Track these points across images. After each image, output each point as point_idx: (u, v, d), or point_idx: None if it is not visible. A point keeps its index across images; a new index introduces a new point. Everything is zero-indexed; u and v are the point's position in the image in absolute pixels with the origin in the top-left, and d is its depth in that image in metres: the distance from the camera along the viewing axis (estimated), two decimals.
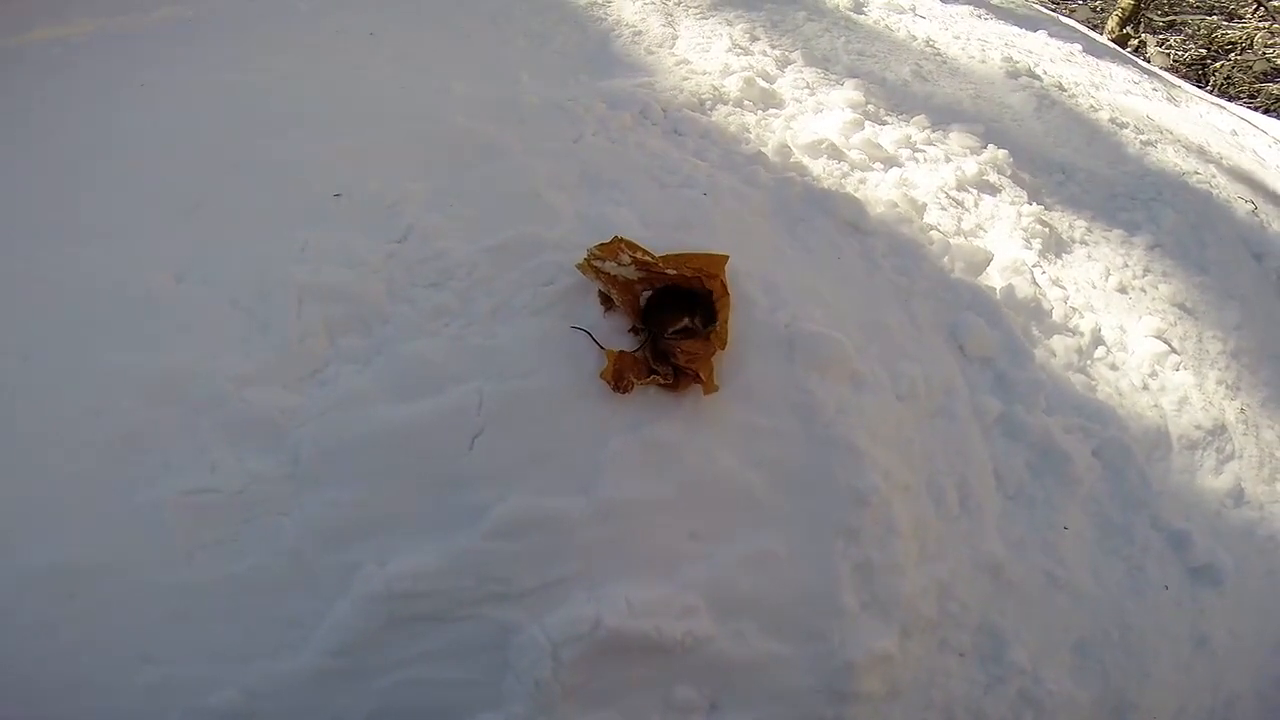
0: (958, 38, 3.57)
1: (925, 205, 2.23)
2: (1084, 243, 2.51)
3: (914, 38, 3.36)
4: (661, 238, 1.62)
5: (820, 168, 2.27)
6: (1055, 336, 2.02)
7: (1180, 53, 7.58)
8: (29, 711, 1.32)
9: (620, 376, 1.41)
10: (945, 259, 1.99)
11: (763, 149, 2.23)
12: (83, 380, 1.49)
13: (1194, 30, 7.89)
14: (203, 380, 1.45)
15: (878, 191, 2.25)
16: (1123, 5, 6.60)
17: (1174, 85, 4.78)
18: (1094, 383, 1.99)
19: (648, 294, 1.55)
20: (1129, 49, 6.22)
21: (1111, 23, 6.69)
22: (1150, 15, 7.81)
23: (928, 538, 1.55)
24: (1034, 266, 2.21)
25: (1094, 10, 7.92)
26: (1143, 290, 2.40)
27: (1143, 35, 7.56)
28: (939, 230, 2.15)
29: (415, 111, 2.02)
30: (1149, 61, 6.15)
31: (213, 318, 1.53)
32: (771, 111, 2.55)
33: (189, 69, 2.09)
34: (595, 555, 1.38)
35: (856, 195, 2.11)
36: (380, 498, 1.36)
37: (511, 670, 1.31)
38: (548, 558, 1.37)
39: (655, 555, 1.40)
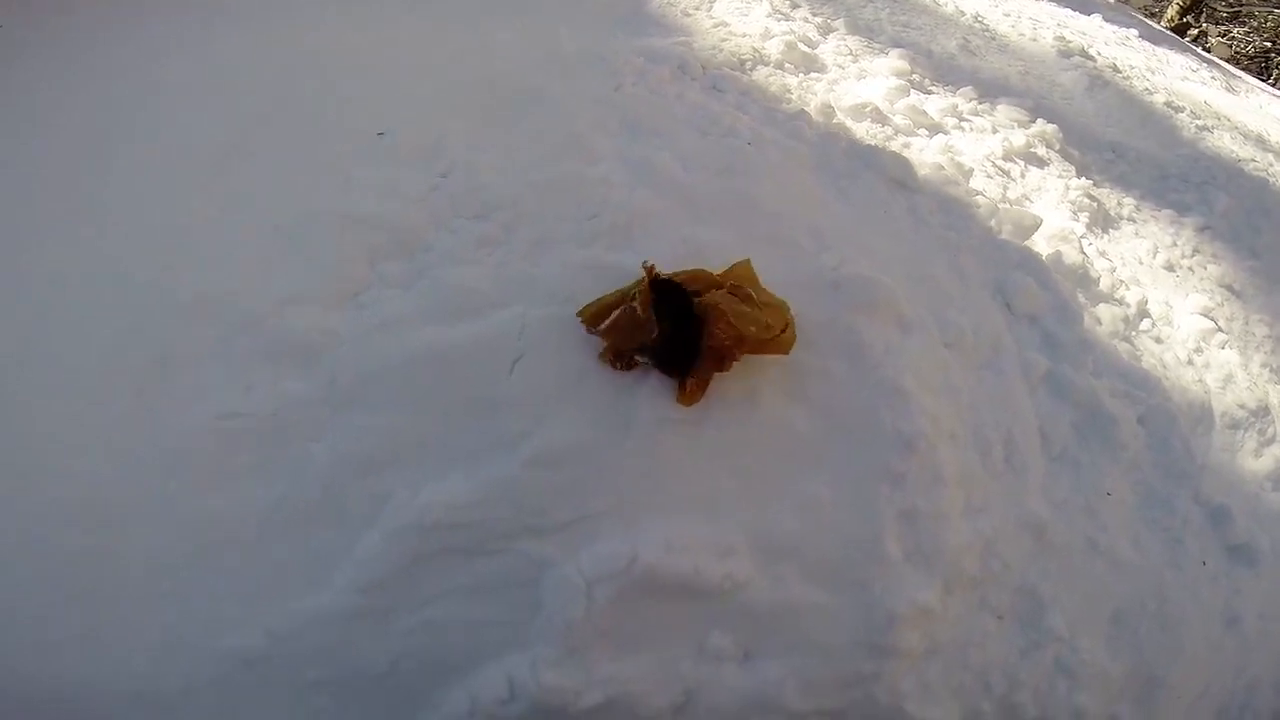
0: (1008, 15, 3.66)
1: (971, 171, 2.29)
2: (1132, 220, 2.58)
3: (962, 13, 3.45)
4: (705, 182, 1.70)
5: (864, 130, 2.35)
6: (1101, 305, 2.08)
7: (1244, 44, 7.64)
8: (39, 661, 1.35)
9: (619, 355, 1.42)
10: (993, 221, 2.04)
11: (805, 109, 2.31)
12: (118, 301, 1.55)
13: (1261, 22, 7.95)
14: (241, 300, 1.50)
15: (923, 155, 2.31)
16: None
17: (1234, 75, 4.84)
18: (1139, 353, 2.04)
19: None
20: (1188, 38, 6.30)
21: (1171, 11, 6.77)
22: (1214, 5, 7.89)
23: (973, 491, 1.59)
24: (1081, 237, 2.26)
25: None
26: (1190, 270, 2.46)
27: (1204, 25, 7.63)
28: (985, 196, 2.20)
29: (458, 58, 2.12)
30: (1209, 51, 6.22)
31: (254, 243, 1.59)
32: (814, 75, 2.64)
33: (232, 19, 2.22)
34: (634, 490, 1.40)
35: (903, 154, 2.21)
36: (416, 423, 1.39)
37: (543, 610, 1.34)
38: (586, 490, 1.39)
39: (696, 493, 1.42)
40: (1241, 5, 8.13)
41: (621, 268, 1.51)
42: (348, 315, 1.48)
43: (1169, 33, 5.55)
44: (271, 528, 1.39)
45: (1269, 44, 7.74)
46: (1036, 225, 2.14)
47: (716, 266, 1.50)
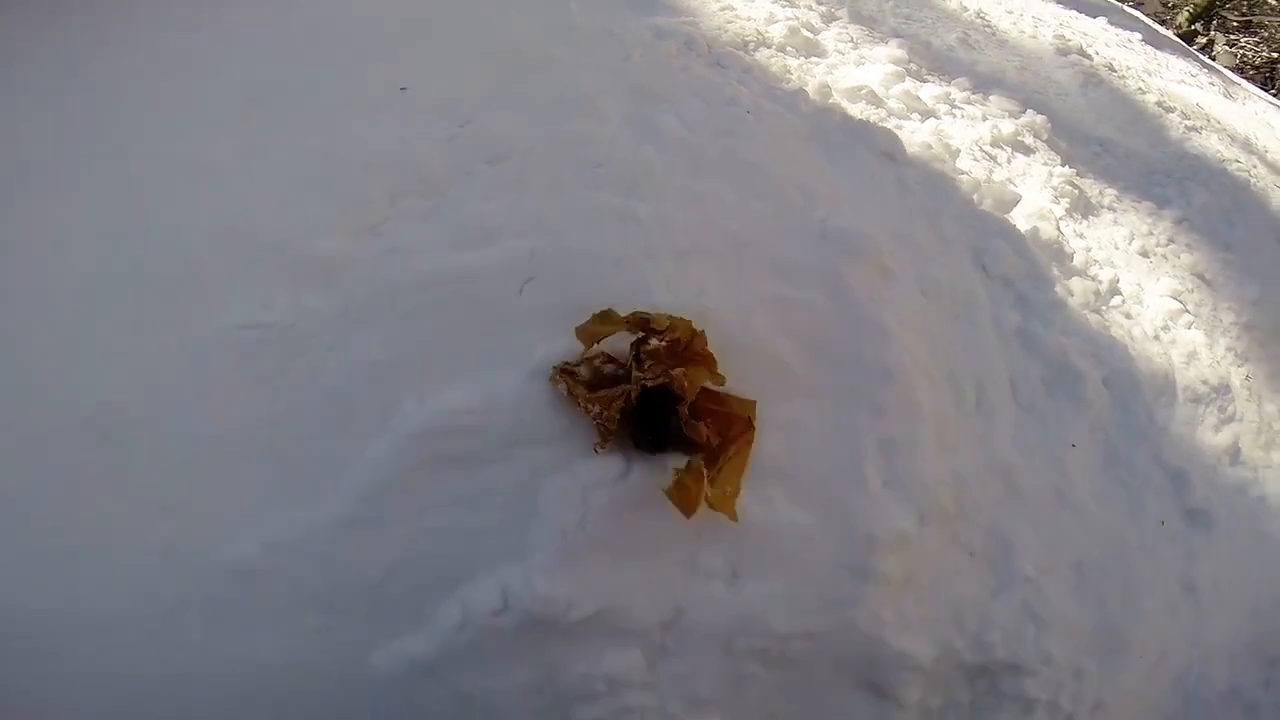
0: (1010, 12, 3.82)
1: (959, 152, 2.44)
2: (1112, 209, 2.73)
3: (964, 8, 3.61)
4: (706, 142, 1.85)
5: (859, 110, 2.50)
6: (1074, 278, 2.23)
7: (1251, 54, 7.82)
8: (41, 573, 1.42)
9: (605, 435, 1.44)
10: (975, 195, 2.20)
11: (804, 88, 2.48)
12: (145, 228, 1.66)
13: (1271, 33, 8.13)
14: (265, 229, 1.63)
15: (913, 136, 2.48)
16: (1195, 1, 6.88)
17: (1234, 82, 5.02)
18: (1108, 324, 2.19)
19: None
20: (1195, 46, 6.47)
21: (1181, 18, 6.96)
22: (1225, 14, 8.08)
23: (946, 430, 1.71)
24: (1060, 219, 2.41)
25: (1164, 5, 8.19)
26: (1164, 257, 2.60)
27: (1213, 34, 7.82)
28: (969, 175, 2.35)
29: (472, 26, 2.28)
30: (1214, 59, 6.40)
31: (278, 180, 1.73)
32: (814, 59, 2.80)
33: None
34: None
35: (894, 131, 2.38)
36: (426, 337, 1.51)
37: (539, 517, 1.44)
38: None
39: None
40: (1253, 15, 8.31)
41: (627, 211, 1.67)
42: (367, 243, 1.61)
43: (1175, 39, 5.72)
44: (279, 437, 1.48)
45: (1276, 54, 7.91)
46: (1016, 201, 2.31)
47: (713, 217, 1.66)
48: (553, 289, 1.57)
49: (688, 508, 1.40)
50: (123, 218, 1.71)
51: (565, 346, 1.50)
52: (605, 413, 1.43)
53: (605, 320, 1.50)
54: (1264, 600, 2.28)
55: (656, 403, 1.44)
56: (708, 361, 1.50)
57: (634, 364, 1.45)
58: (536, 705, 1.50)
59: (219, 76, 2.00)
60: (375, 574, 1.44)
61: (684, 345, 1.47)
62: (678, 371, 1.43)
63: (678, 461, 1.44)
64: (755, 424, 1.48)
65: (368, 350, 1.52)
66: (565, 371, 1.47)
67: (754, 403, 1.50)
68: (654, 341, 1.45)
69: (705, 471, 1.40)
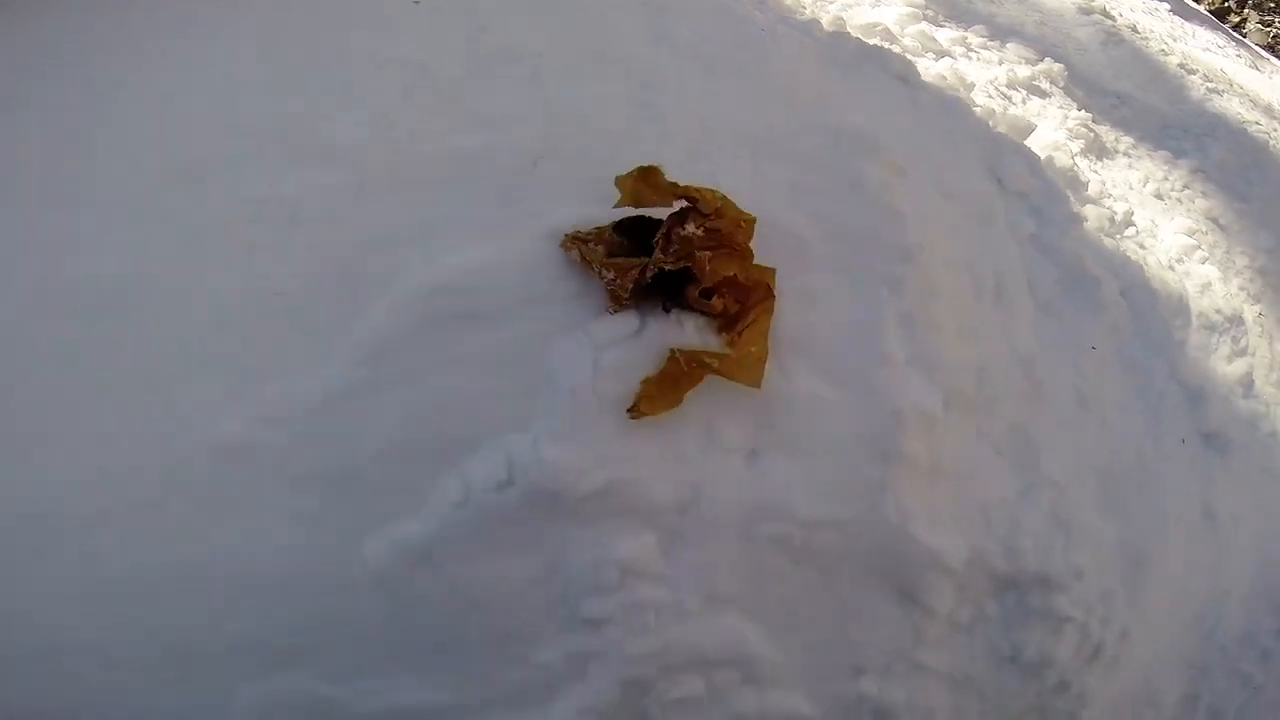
0: None
1: (974, 86, 2.48)
2: (1127, 155, 2.73)
3: None
4: (721, 51, 1.86)
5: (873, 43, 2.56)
6: (1089, 205, 2.24)
7: None
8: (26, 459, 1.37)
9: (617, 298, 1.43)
10: (989, 120, 2.24)
11: (818, 19, 2.52)
12: (153, 117, 1.65)
13: None
14: (276, 120, 1.63)
15: (928, 71, 2.52)
16: None
17: (1262, 57, 5.01)
18: (1123, 249, 2.20)
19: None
20: (1229, 24, 6.45)
21: None
22: None
23: (965, 316, 1.70)
24: (1074, 155, 2.46)
25: None
26: (1179, 201, 2.61)
27: (1246, 11, 7.78)
28: (984, 107, 2.39)
29: None
30: (1245, 36, 6.37)
31: (289, 79, 1.73)
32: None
33: None
34: None
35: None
36: (438, 205, 1.49)
37: (549, 380, 1.39)
38: None
39: None
40: None
41: (643, 100, 1.70)
42: (378, 129, 1.61)
43: (1205, 12, 5.70)
44: (280, 304, 1.42)
45: None
46: (1031, 129, 2.32)
47: (727, 112, 1.68)
48: (566, 166, 1.57)
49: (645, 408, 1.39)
50: (136, 112, 1.72)
51: (579, 215, 1.48)
52: (619, 279, 1.41)
53: (649, 180, 1.43)
54: (1274, 542, 2.28)
55: (674, 275, 1.42)
56: (742, 255, 1.44)
57: (661, 240, 1.41)
58: (542, 599, 1.43)
59: None
60: (370, 448, 1.38)
61: (722, 234, 1.42)
62: (701, 256, 1.39)
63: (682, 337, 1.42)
64: (775, 292, 1.45)
65: (375, 220, 1.49)
66: (577, 239, 1.46)
67: (773, 270, 1.46)
68: (690, 227, 1.40)
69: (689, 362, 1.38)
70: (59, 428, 1.41)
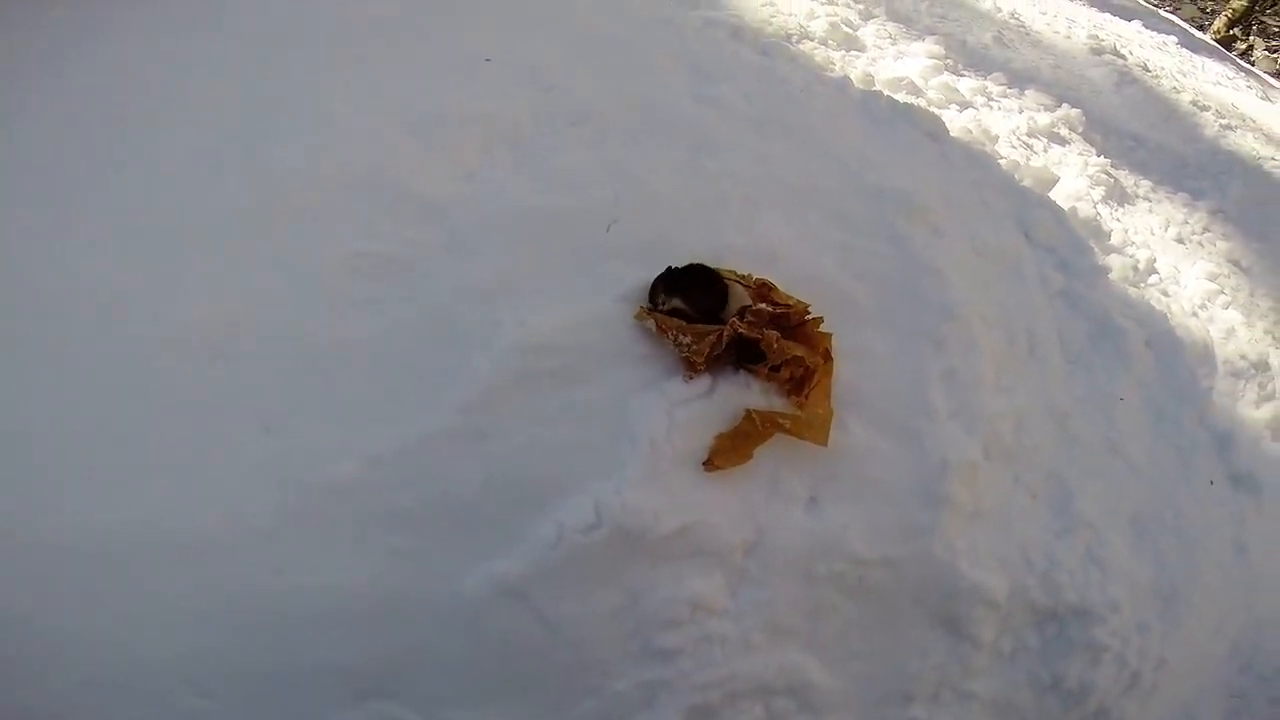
0: (1044, 14, 4.09)
1: (997, 138, 2.70)
2: (1147, 199, 2.96)
3: (998, 9, 3.88)
4: (765, 111, 2.10)
5: (900, 99, 2.79)
6: (1112, 255, 2.45)
7: None
8: (132, 488, 1.50)
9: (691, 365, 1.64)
10: (1015, 173, 2.46)
11: (848, 76, 2.76)
12: (251, 171, 1.83)
13: None
14: (371, 172, 1.82)
15: (953, 123, 2.75)
16: (1234, 6, 7.15)
17: (1272, 86, 5.27)
18: (1147, 298, 2.40)
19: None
20: (1235, 52, 6.72)
21: (1219, 23, 7.21)
22: (1265, 19, 8.34)
23: (1003, 370, 1.91)
24: (1097, 203, 2.67)
25: (1201, 10, 8.49)
26: (1200, 244, 2.82)
27: (1252, 39, 8.07)
28: (1008, 159, 2.61)
29: (546, 14, 2.57)
30: (1253, 65, 6.64)
31: (379, 128, 1.92)
32: (854, 52, 3.06)
33: None
34: None
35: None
36: (524, 265, 1.71)
37: (627, 432, 1.60)
38: None
39: None
40: None
41: (696, 165, 1.92)
42: (463, 184, 1.83)
43: (1212, 43, 5.96)
44: (384, 351, 1.63)
45: None
46: (1054, 181, 2.55)
47: (776, 174, 1.92)
48: (637, 229, 1.79)
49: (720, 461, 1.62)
50: (226, 158, 1.90)
51: (647, 278, 1.71)
52: (695, 345, 1.63)
53: (761, 293, 1.70)
54: None
55: (742, 350, 1.65)
56: (810, 342, 1.69)
57: (737, 316, 1.65)
58: (619, 632, 1.61)
59: (326, 38, 2.21)
60: (472, 488, 1.57)
61: (793, 322, 1.67)
62: (770, 334, 1.63)
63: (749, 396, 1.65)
64: (834, 356, 1.69)
65: (469, 277, 1.71)
66: (650, 311, 1.69)
67: (830, 335, 1.71)
68: (763, 306, 1.66)
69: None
70: (180, 459, 1.56)
